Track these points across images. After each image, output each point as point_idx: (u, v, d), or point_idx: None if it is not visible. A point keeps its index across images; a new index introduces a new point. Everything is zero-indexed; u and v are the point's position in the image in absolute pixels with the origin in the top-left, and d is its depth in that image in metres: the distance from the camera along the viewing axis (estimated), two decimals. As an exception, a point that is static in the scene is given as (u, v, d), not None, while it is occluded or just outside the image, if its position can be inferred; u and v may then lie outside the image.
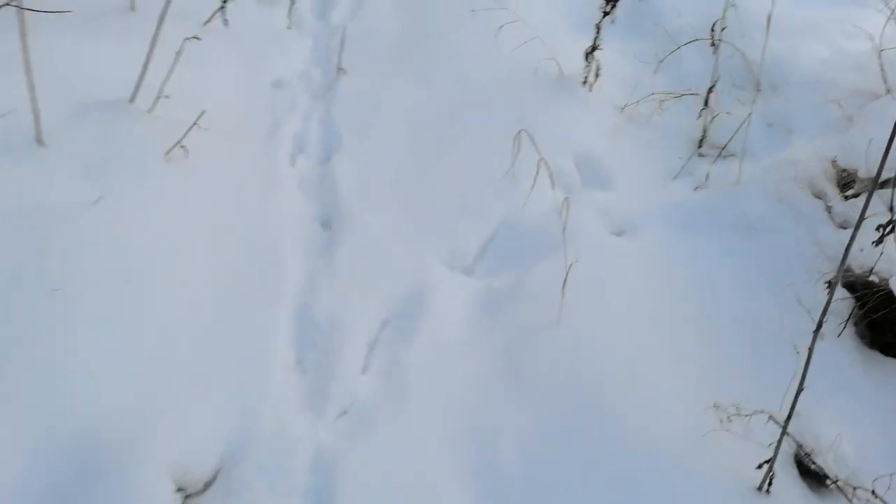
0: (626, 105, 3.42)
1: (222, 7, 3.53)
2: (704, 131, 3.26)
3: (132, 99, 2.76)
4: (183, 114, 2.86)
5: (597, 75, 3.30)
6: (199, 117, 2.67)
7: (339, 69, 3.50)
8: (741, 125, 3.04)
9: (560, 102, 3.30)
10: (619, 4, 3.29)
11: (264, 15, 3.93)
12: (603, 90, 3.43)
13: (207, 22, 3.60)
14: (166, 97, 2.76)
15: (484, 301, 2.51)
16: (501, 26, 3.46)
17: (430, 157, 3.05)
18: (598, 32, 3.23)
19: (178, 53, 2.76)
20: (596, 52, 3.27)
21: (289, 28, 3.95)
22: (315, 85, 3.52)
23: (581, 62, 3.52)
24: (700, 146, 3.26)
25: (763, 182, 2.86)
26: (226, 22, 3.55)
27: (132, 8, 3.51)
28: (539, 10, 3.84)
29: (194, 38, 2.74)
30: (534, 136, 3.09)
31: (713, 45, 3.12)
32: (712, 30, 3.14)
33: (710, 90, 3.18)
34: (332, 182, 2.97)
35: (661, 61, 3.66)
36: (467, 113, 3.25)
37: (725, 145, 3.13)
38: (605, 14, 3.19)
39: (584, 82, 3.35)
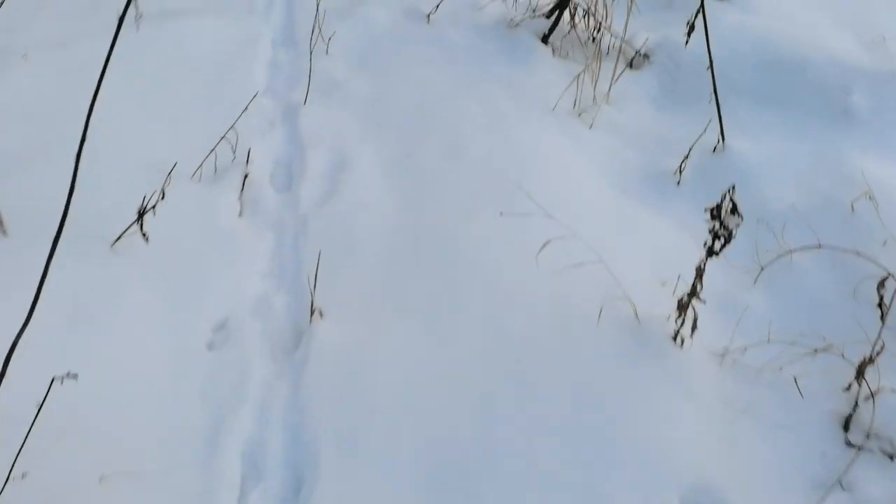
0: (726, 351, 2.36)
1: (139, 220, 2.43)
2: (856, 407, 2.21)
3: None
4: (67, 466, 1.77)
5: (693, 328, 2.23)
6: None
7: (314, 310, 2.40)
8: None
9: (643, 374, 2.22)
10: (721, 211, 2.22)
11: (205, 200, 2.82)
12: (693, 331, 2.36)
13: (117, 241, 2.49)
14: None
15: None
16: (547, 242, 2.40)
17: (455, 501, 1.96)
18: (699, 278, 2.16)
19: (47, 393, 1.65)
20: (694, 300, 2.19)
21: (240, 216, 2.85)
22: (277, 332, 2.41)
23: (661, 289, 2.48)
24: (847, 429, 2.21)
25: None
26: (145, 237, 2.45)
27: (3, 231, 2.41)
28: (587, 206, 2.78)
29: (69, 374, 1.63)
30: (616, 451, 2.06)
31: (881, 305, 2.06)
32: (881, 286, 2.07)
33: (869, 360, 2.12)
34: (305, 556, 1.87)
35: (763, 268, 2.62)
36: (504, 402, 2.15)
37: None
38: (712, 254, 2.11)
39: (675, 337, 2.28)
